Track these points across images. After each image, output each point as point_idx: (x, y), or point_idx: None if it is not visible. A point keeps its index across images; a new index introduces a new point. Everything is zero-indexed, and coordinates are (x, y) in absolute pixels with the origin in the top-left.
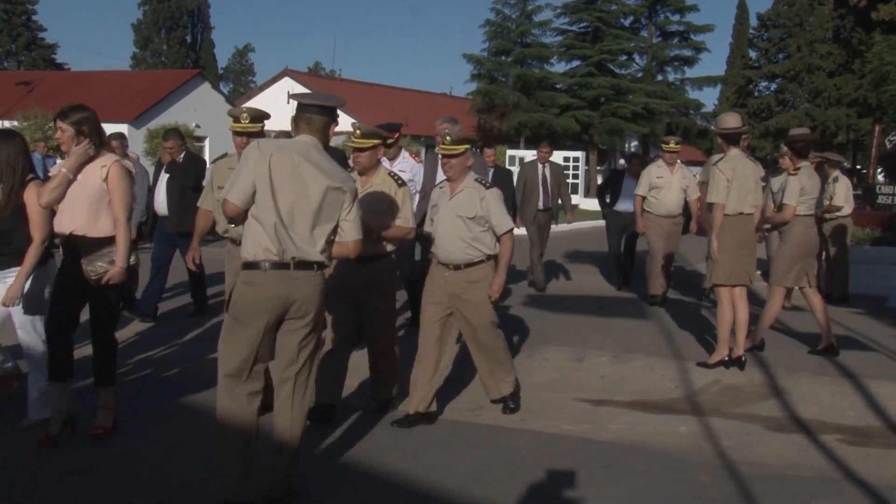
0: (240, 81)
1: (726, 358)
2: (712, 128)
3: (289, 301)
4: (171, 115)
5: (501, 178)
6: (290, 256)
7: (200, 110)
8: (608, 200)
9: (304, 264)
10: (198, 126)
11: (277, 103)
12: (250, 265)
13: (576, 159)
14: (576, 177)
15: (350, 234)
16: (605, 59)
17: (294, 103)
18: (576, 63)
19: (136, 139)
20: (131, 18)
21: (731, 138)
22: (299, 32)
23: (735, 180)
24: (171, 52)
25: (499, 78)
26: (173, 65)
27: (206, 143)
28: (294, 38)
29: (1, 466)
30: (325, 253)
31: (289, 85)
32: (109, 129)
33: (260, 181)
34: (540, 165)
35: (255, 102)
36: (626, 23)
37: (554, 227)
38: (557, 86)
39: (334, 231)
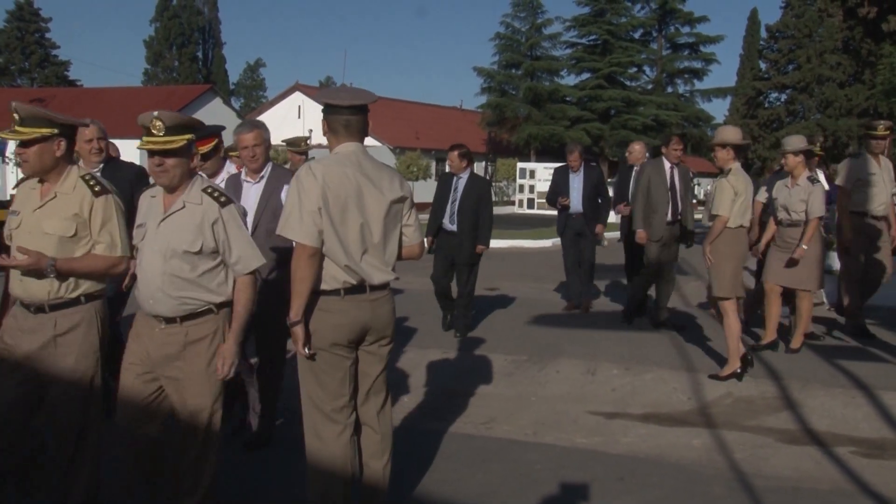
0: (251, 96)
1: (738, 370)
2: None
3: (367, 325)
4: None
5: (476, 191)
6: (367, 284)
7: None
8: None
9: (380, 286)
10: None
11: (289, 118)
12: (326, 293)
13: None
14: None
15: (414, 237)
16: (615, 71)
17: (306, 115)
18: (586, 76)
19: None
20: (143, 35)
21: (740, 151)
22: (310, 47)
23: (741, 194)
24: (183, 68)
25: (509, 91)
26: (185, 80)
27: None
28: (305, 52)
29: None
30: (394, 268)
31: (300, 99)
32: (122, 144)
33: (323, 213)
34: (668, 166)
35: (267, 117)
36: (636, 35)
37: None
38: (567, 98)
39: (400, 238)
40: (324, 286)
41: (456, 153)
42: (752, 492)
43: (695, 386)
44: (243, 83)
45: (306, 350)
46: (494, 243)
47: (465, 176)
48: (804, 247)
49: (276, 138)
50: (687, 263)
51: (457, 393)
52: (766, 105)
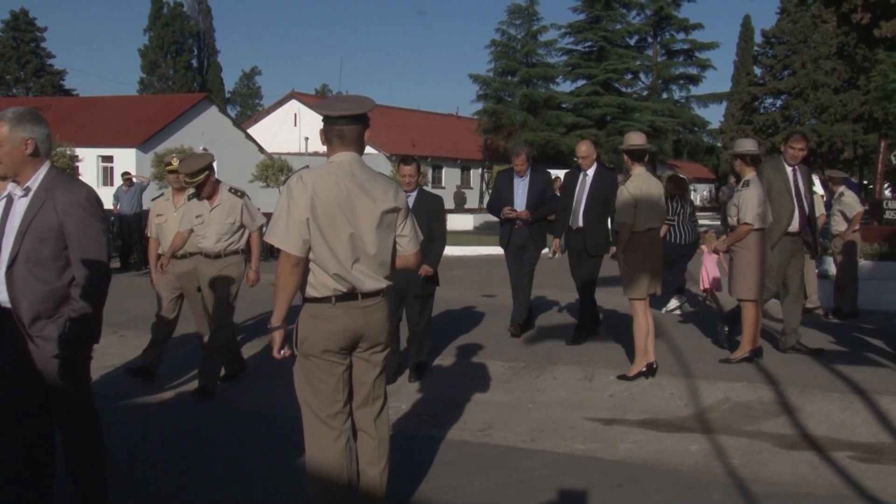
0: (247, 104)
1: (644, 368)
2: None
3: (360, 332)
4: (179, 139)
5: (426, 208)
6: (358, 291)
7: (208, 133)
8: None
9: (372, 293)
10: (205, 149)
11: (285, 126)
12: (317, 300)
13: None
14: None
15: (409, 247)
16: (611, 77)
17: (302, 123)
18: (581, 82)
19: (145, 163)
20: (138, 44)
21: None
22: (306, 55)
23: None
24: (178, 77)
25: (505, 98)
26: (180, 89)
27: (214, 166)
28: (301, 60)
29: None
30: (388, 276)
31: (296, 107)
32: (118, 153)
33: (311, 222)
34: (789, 169)
35: (263, 125)
36: (632, 41)
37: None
38: (563, 105)
39: (395, 248)
40: (315, 293)
41: (411, 167)
42: (750, 497)
43: (692, 391)
44: (239, 91)
45: (282, 353)
46: (490, 250)
47: (413, 194)
48: (720, 252)
49: (274, 147)
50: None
51: (454, 400)
52: (762, 110)
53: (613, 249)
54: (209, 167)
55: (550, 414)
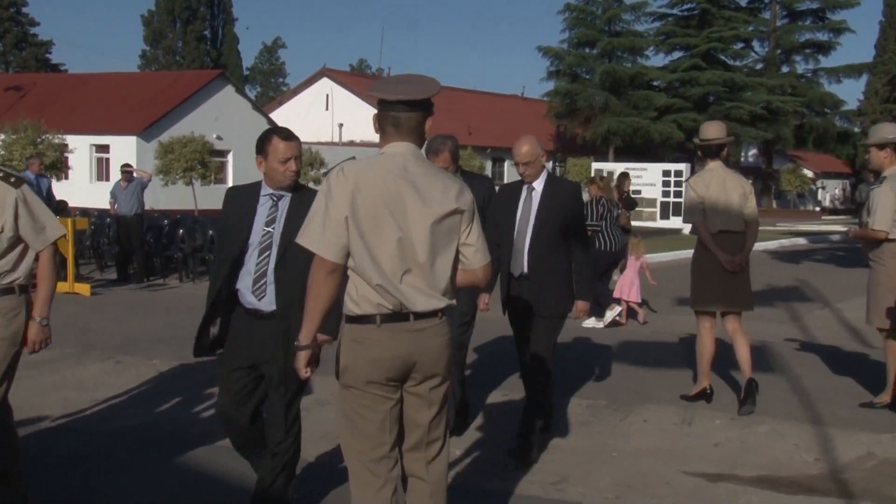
0: (269, 84)
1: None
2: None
3: (410, 361)
4: (188, 125)
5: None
6: (408, 311)
7: (223, 119)
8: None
9: (426, 313)
10: (219, 138)
11: (314, 109)
12: (358, 319)
13: (678, 173)
14: (678, 194)
15: (476, 259)
16: (716, 48)
17: (335, 106)
18: (678, 55)
19: (147, 154)
20: (140, 10)
21: None
22: (339, 24)
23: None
24: (188, 50)
25: (582, 75)
26: (190, 64)
27: (230, 158)
28: (333, 30)
29: None
30: (448, 294)
31: (327, 87)
32: (115, 142)
33: (350, 222)
34: None
35: (289, 108)
36: (743, 2)
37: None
38: (654, 83)
39: (457, 258)
40: (356, 310)
41: (293, 145)
42: None
43: (823, 443)
44: (259, 68)
45: (307, 371)
46: None
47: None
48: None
49: (301, 134)
50: (808, 286)
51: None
52: None
53: (582, 305)
54: None
55: (639, 465)
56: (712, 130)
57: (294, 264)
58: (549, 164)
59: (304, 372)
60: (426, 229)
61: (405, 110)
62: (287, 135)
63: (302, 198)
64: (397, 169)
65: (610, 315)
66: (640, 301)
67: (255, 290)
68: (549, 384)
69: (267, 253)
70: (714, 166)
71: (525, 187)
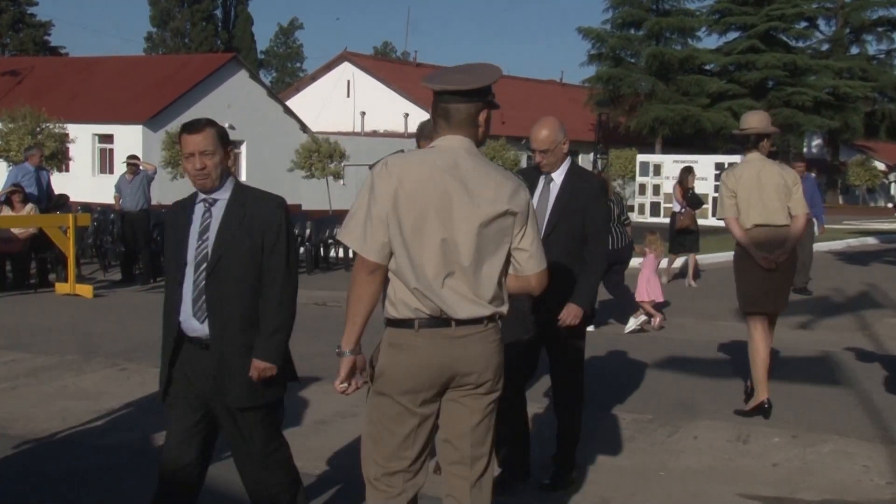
0: (285, 68)
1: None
2: None
3: (452, 369)
4: (198, 113)
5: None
6: (447, 315)
7: (235, 107)
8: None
9: (468, 321)
10: (232, 127)
11: (335, 96)
12: (397, 323)
13: (732, 166)
14: None
15: (529, 266)
16: (776, 27)
17: (357, 93)
18: (733, 35)
19: (153, 144)
20: None
21: None
22: (362, 4)
23: None
24: (197, 32)
25: (626, 59)
26: (199, 47)
27: (244, 148)
28: (355, 11)
29: None
30: (497, 300)
31: (349, 72)
32: (120, 131)
33: (392, 220)
34: None
35: (307, 95)
36: None
37: None
38: (707, 67)
39: (507, 263)
40: (394, 313)
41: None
42: None
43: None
44: (275, 51)
45: (347, 386)
46: None
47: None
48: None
49: (320, 124)
50: (878, 291)
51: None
52: None
53: (575, 310)
54: None
55: (689, 486)
56: (752, 120)
57: (228, 277)
58: (591, 157)
59: (341, 384)
60: (472, 231)
61: (455, 101)
62: (191, 126)
63: (238, 198)
64: (447, 165)
65: (633, 322)
66: (662, 300)
67: (196, 311)
68: (580, 403)
69: (204, 265)
70: (752, 158)
71: (543, 178)
